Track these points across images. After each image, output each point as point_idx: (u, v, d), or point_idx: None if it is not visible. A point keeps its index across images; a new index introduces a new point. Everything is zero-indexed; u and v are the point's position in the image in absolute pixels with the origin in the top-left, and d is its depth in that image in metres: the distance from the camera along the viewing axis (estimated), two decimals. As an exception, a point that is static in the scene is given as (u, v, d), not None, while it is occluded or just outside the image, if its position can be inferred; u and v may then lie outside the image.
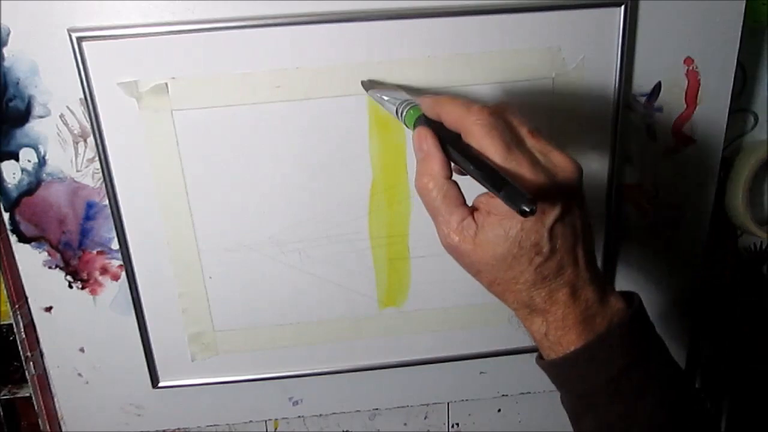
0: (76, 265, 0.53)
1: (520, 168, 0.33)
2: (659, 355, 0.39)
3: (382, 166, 0.52)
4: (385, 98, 0.44)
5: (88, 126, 0.48)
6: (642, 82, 0.52)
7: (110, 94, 0.48)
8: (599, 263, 0.57)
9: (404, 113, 0.40)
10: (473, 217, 0.36)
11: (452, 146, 0.35)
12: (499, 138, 0.34)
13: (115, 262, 0.53)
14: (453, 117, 0.36)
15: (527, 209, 0.30)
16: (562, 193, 0.34)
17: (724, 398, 0.68)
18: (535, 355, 0.40)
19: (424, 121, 0.37)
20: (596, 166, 0.54)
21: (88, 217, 0.52)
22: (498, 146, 0.34)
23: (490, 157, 0.34)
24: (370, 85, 0.48)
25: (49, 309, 0.55)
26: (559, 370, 0.38)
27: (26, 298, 0.55)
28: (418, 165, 0.37)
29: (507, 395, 0.64)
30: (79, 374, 0.58)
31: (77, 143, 0.49)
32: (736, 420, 0.68)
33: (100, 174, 0.50)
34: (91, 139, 0.49)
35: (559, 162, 0.35)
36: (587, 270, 0.37)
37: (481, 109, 0.35)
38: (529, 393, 0.63)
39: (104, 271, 0.54)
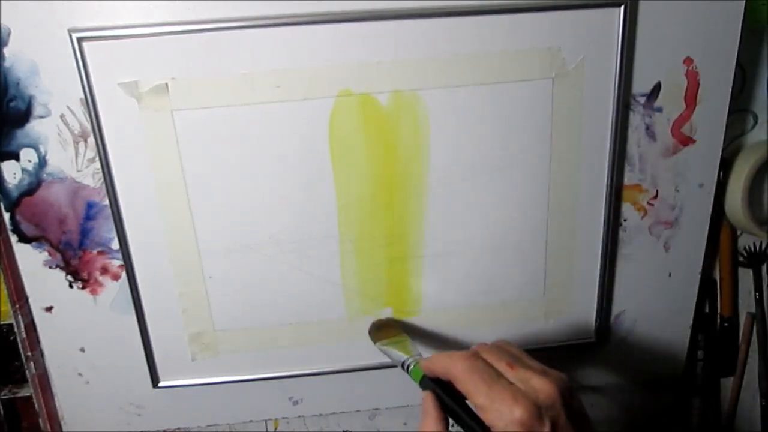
0: (76, 265, 0.53)
1: (504, 402, 0.37)
2: None
3: (381, 167, 0.52)
4: (392, 351, 0.51)
5: (89, 126, 0.49)
6: (642, 82, 0.52)
7: (110, 94, 0.48)
8: (598, 264, 0.57)
9: (410, 369, 0.46)
10: None
11: (453, 404, 0.41)
12: (479, 379, 0.39)
13: (116, 262, 0.54)
14: (442, 371, 0.42)
15: None
16: (547, 413, 0.37)
17: (722, 400, 0.68)
18: None
19: (427, 380, 0.43)
20: (596, 166, 0.54)
21: (88, 217, 0.52)
22: (479, 386, 0.38)
23: (474, 397, 0.39)
24: (375, 333, 0.54)
25: (49, 309, 0.55)
26: None
27: (26, 298, 0.55)
28: (420, 423, 0.42)
29: (507, 395, 0.64)
30: (80, 374, 0.58)
31: (77, 143, 0.49)
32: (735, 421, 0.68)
33: (101, 174, 0.50)
34: (91, 139, 0.49)
35: (539, 385, 0.38)
36: None
37: (460, 356, 0.41)
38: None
39: (104, 271, 0.54)
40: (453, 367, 0.41)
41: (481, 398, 0.38)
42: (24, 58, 0.46)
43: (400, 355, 0.49)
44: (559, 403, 0.38)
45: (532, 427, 0.37)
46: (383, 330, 0.55)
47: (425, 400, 0.42)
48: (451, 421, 0.41)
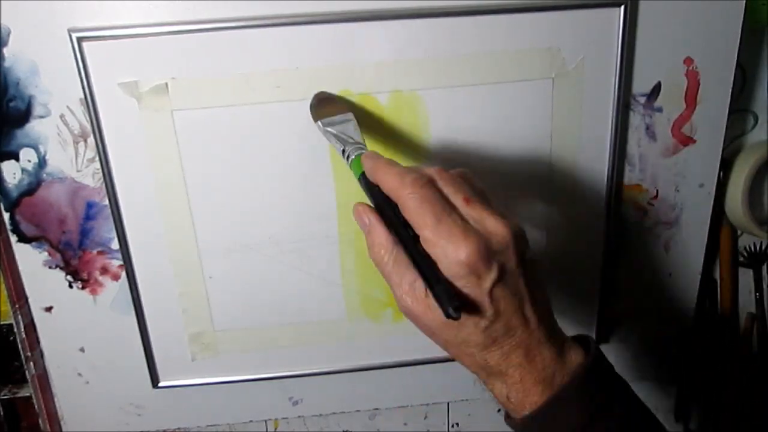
0: (76, 265, 0.53)
1: (451, 237, 0.34)
2: (623, 401, 0.39)
3: (382, 166, 0.52)
4: (334, 133, 0.44)
5: (88, 126, 0.49)
6: (642, 82, 0.52)
7: (110, 94, 0.48)
8: (599, 265, 0.57)
9: (350, 159, 0.41)
10: None
11: (392, 217, 0.37)
12: (429, 210, 0.35)
13: (115, 262, 0.54)
14: (388, 187, 0.37)
15: (453, 315, 0.32)
16: (496, 257, 0.35)
17: (721, 400, 0.68)
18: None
19: (365, 182, 0.38)
20: (596, 166, 0.54)
21: (88, 217, 0.52)
22: (428, 218, 0.35)
23: (421, 229, 0.35)
24: (318, 108, 0.47)
25: (49, 309, 0.55)
26: (524, 430, 0.38)
27: (26, 298, 0.55)
28: (366, 238, 0.39)
29: (507, 395, 0.64)
30: (79, 374, 0.58)
31: (77, 143, 0.49)
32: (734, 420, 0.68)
33: (100, 174, 0.50)
34: (91, 139, 0.49)
35: (493, 227, 0.35)
36: (540, 329, 0.37)
37: (413, 181, 0.36)
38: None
39: (104, 271, 0.54)
40: (401, 191, 0.36)
41: (428, 231, 0.35)
42: (24, 58, 0.46)
43: (342, 137, 0.43)
44: (512, 249, 0.35)
45: (477, 269, 0.34)
46: (327, 106, 0.47)
47: (361, 213, 0.39)
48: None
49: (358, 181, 0.40)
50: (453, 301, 0.33)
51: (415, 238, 0.36)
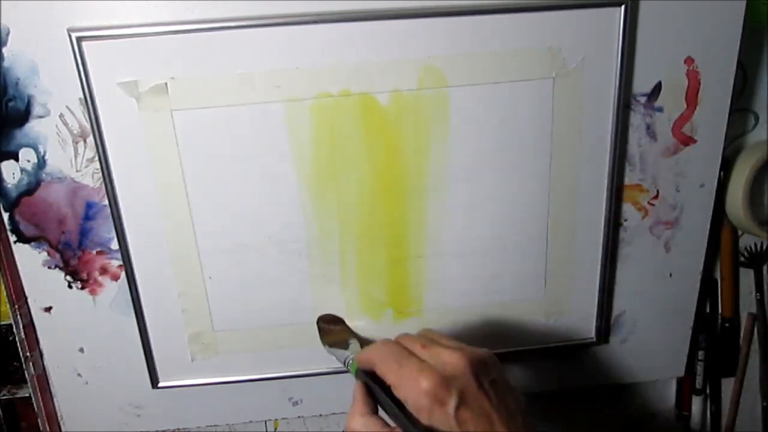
0: (75, 265, 0.53)
1: (411, 375, 0.39)
2: None
3: (381, 167, 0.52)
4: (337, 351, 0.52)
5: (88, 126, 0.48)
6: (642, 82, 0.52)
7: (110, 94, 0.48)
8: (598, 264, 0.57)
9: (348, 365, 0.48)
10: None
11: (379, 392, 0.42)
12: (392, 360, 0.41)
13: (115, 262, 0.53)
14: (365, 360, 0.44)
15: None
16: (454, 383, 0.39)
17: (723, 401, 0.68)
18: None
19: (360, 373, 0.45)
20: (597, 166, 0.54)
21: (87, 217, 0.52)
22: (391, 366, 0.41)
23: (387, 376, 0.41)
24: (324, 336, 0.55)
25: (48, 309, 0.55)
26: None
27: (26, 298, 0.55)
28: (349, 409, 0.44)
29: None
30: (79, 374, 0.58)
31: (77, 143, 0.49)
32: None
33: (100, 174, 0.50)
34: (90, 139, 0.49)
35: (447, 358, 0.40)
36: None
37: (378, 343, 0.43)
38: (529, 393, 0.63)
39: (104, 271, 0.54)
40: (371, 354, 0.43)
41: (392, 376, 0.40)
42: (23, 58, 0.46)
43: (342, 353, 0.51)
44: (467, 373, 0.39)
45: (438, 396, 0.38)
46: (332, 334, 0.56)
47: (354, 388, 0.44)
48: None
49: (355, 376, 0.46)
50: (417, 426, 0.37)
51: (388, 389, 0.41)
